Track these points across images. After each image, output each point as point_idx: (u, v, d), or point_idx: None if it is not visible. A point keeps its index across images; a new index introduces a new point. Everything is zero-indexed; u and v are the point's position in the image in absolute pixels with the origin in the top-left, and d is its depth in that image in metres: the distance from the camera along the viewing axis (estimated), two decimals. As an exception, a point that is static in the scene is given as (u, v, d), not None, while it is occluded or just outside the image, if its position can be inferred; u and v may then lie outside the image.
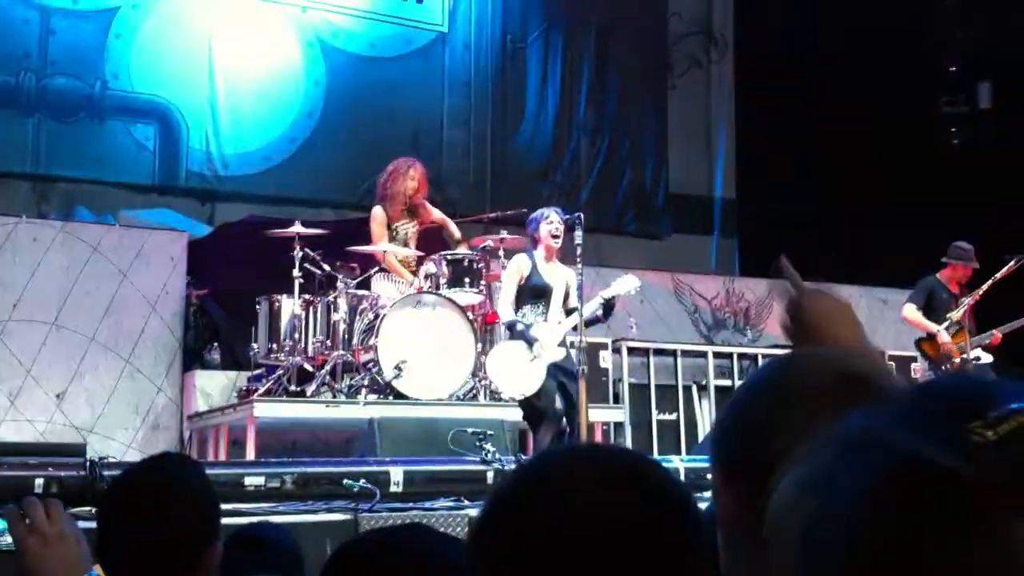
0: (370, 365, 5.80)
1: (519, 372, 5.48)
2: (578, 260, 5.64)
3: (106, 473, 4.28)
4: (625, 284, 5.78)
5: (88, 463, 4.36)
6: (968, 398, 0.53)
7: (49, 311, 5.88)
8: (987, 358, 6.68)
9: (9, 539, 1.55)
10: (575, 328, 5.58)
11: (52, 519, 1.50)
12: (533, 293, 5.65)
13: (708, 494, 1.18)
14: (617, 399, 6.80)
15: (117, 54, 7.75)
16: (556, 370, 5.53)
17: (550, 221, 5.61)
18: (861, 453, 0.52)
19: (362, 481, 4.89)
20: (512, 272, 5.69)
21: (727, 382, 7.19)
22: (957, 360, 6.63)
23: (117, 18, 7.81)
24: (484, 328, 6.36)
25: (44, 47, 7.59)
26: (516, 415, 6.07)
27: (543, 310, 5.63)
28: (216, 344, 6.33)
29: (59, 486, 4.32)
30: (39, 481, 4.21)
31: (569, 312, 5.67)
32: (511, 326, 5.67)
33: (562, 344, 5.62)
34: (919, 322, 6.76)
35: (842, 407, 0.91)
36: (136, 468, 2.40)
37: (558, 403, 5.55)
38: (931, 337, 6.70)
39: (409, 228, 6.27)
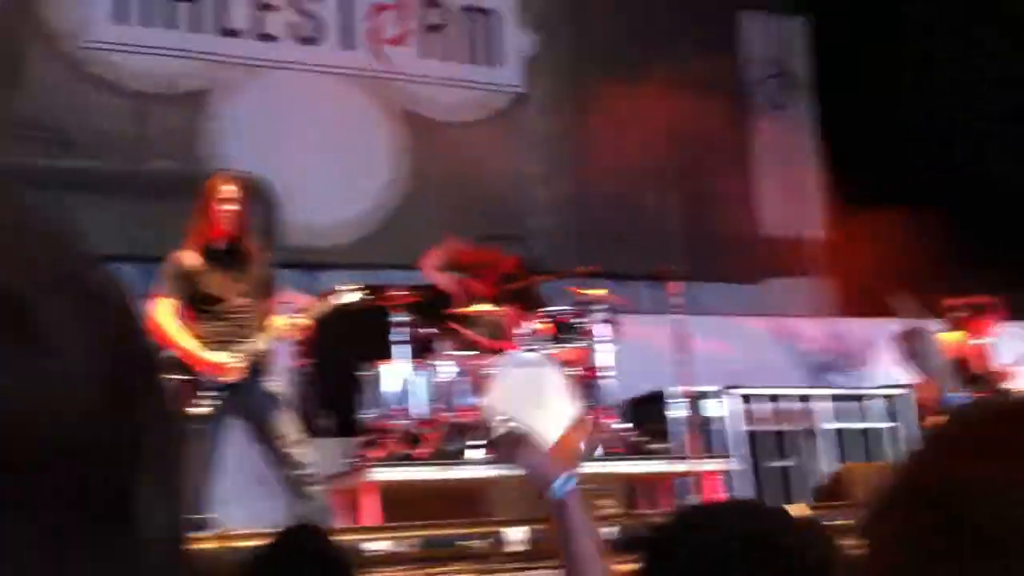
0: (477, 425, 5.81)
1: None
2: (674, 311, 5.63)
3: (232, 545, 4.31)
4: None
5: (215, 536, 4.40)
6: None
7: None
8: None
9: None
10: None
11: None
12: None
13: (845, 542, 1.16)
14: (723, 448, 6.69)
15: (211, 135, 7.97)
16: None
17: None
18: None
19: (478, 542, 4.87)
20: None
21: (835, 425, 7.05)
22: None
23: (209, 101, 8.05)
24: (586, 383, 6.34)
25: (140, 132, 7.83)
26: (627, 468, 6.03)
27: None
28: (325, 412, 6.39)
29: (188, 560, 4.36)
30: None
31: None
32: None
33: None
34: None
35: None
36: (275, 541, 2.37)
37: None
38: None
39: None
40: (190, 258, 5.00)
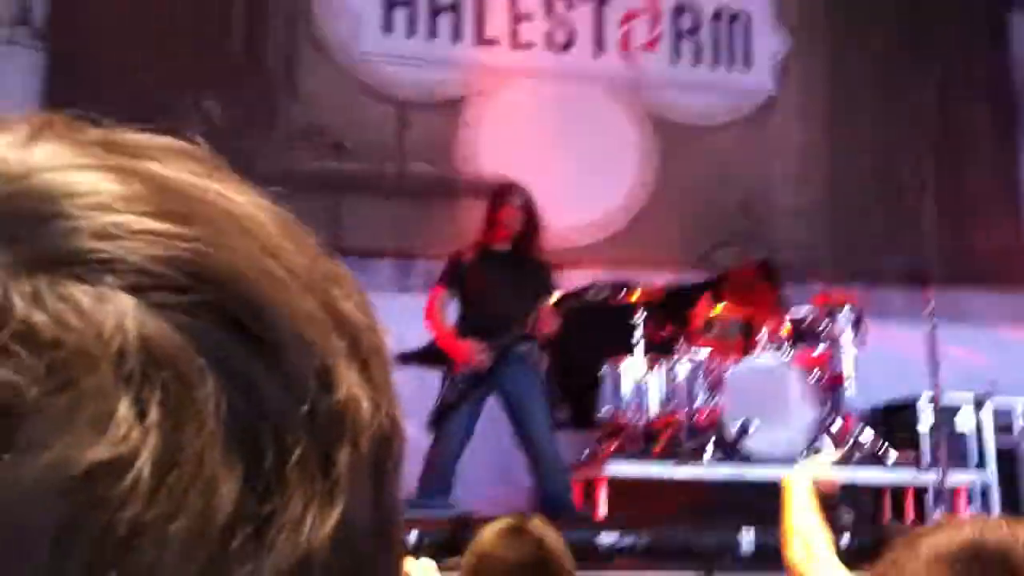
0: (714, 426, 5.83)
1: None
2: (932, 317, 5.44)
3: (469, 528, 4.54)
4: None
5: (454, 518, 4.64)
6: None
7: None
8: None
9: None
10: None
11: None
12: None
13: None
14: (975, 461, 6.38)
15: (466, 140, 8.36)
16: None
17: None
18: None
19: (708, 543, 4.90)
20: None
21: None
22: None
23: (465, 107, 8.44)
24: (829, 387, 6.22)
25: (401, 137, 8.31)
26: (873, 478, 5.88)
27: None
28: (565, 404, 6.58)
29: (428, 540, 4.61)
30: (413, 533, 4.51)
31: None
32: None
33: None
34: None
35: None
36: (500, 530, 2.42)
37: None
38: None
39: None
40: (467, 256, 5.37)
